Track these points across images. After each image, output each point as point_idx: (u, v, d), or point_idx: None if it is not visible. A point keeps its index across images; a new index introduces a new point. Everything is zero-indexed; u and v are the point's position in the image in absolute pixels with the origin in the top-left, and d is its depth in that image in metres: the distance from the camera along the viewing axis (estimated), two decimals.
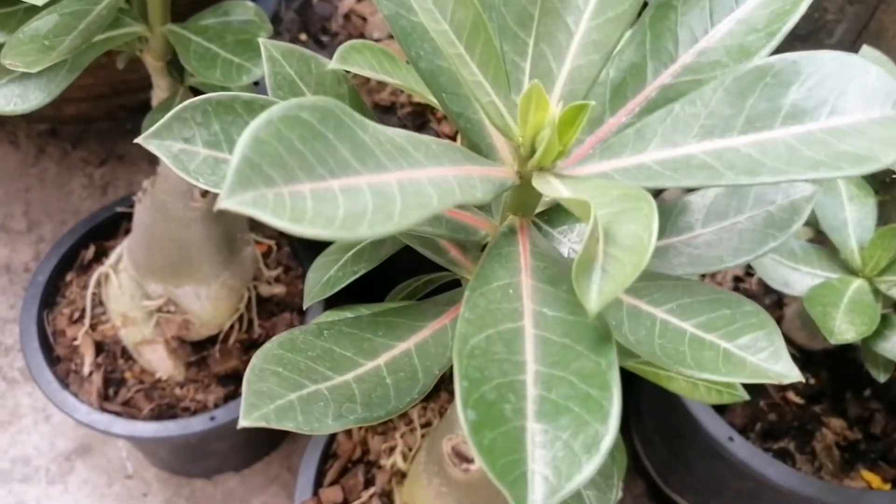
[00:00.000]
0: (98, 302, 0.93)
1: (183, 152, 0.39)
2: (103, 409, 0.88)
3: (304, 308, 0.59)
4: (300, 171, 0.31)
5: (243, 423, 0.39)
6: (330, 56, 0.51)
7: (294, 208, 0.30)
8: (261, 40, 0.51)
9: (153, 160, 1.40)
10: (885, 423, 0.88)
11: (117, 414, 0.88)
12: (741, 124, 0.38)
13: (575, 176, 0.40)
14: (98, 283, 0.90)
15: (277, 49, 0.51)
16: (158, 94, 0.74)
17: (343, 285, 0.56)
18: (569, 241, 0.51)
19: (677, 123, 0.39)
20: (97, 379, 0.89)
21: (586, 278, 0.32)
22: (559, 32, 0.40)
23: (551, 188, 0.38)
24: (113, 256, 0.90)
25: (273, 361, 0.40)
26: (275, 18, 1.05)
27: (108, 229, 1.01)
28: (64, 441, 1.11)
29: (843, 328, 0.59)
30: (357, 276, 0.56)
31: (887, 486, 0.86)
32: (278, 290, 0.96)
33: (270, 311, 0.96)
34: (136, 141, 0.39)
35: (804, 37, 1.08)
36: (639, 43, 0.46)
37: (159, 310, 0.87)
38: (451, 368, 0.36)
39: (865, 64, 0.36)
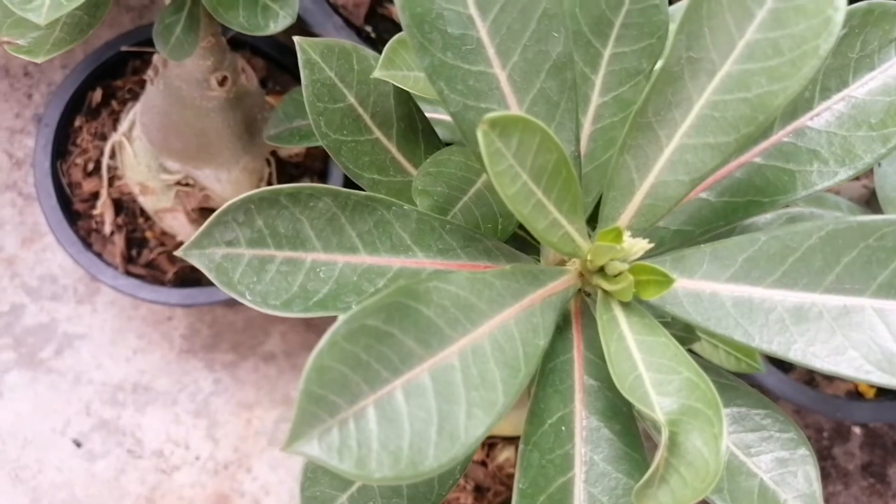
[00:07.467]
0: (112, 155, 0.91)
1: (226, 258, 0.37)
2: (128, 273, 0.89)
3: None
4: (364, 383, 0.30)
5: None
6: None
7: (360, 442, 0.29)
8: (296, 39, 0.44)
9: None
10: None
11: (142, 278, 0.89)
12: (829, 282, 0.35)
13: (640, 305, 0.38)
14: (112, 152, 0.87)
15: (315, 49, 0.45)
16: None
17: None
18: None
19: (760, 258, 0.36)
20: (119, 241, 0.89)
21: (647, 486, 0.32)
22: (648, 146, 0.35)
23: (616, 331, 0.36)
24: (125, 123, 0.86)
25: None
26: None
27: (113, 68, 0.95)
28: None
29: None
30: None
31: None
32: (297, 149, 0.93)
33: (290, 175, 0.94)
34: (176, 253, 0.36)
35: None
36: None
37: (178, 183, 0.85)
38: None
39: None
